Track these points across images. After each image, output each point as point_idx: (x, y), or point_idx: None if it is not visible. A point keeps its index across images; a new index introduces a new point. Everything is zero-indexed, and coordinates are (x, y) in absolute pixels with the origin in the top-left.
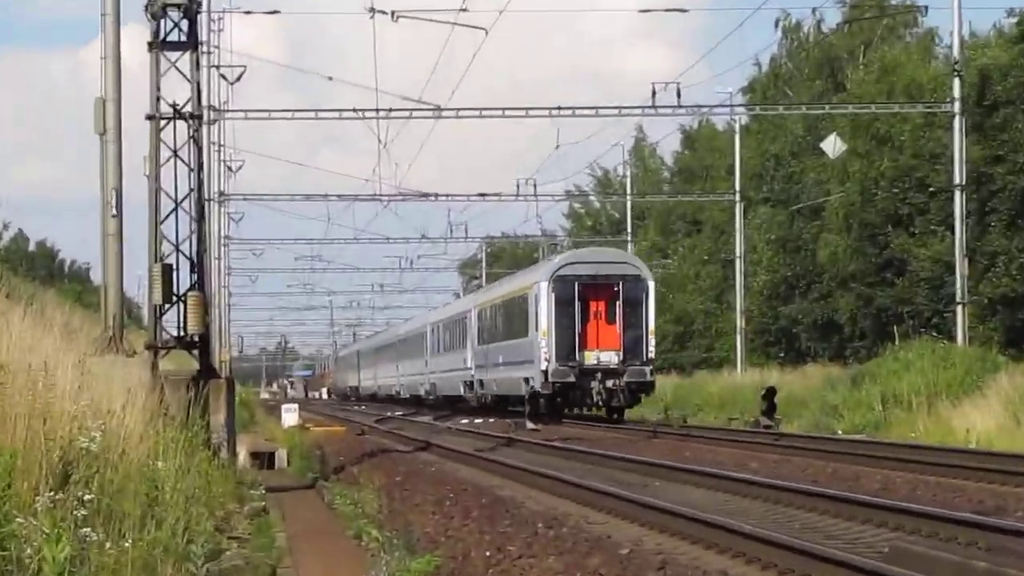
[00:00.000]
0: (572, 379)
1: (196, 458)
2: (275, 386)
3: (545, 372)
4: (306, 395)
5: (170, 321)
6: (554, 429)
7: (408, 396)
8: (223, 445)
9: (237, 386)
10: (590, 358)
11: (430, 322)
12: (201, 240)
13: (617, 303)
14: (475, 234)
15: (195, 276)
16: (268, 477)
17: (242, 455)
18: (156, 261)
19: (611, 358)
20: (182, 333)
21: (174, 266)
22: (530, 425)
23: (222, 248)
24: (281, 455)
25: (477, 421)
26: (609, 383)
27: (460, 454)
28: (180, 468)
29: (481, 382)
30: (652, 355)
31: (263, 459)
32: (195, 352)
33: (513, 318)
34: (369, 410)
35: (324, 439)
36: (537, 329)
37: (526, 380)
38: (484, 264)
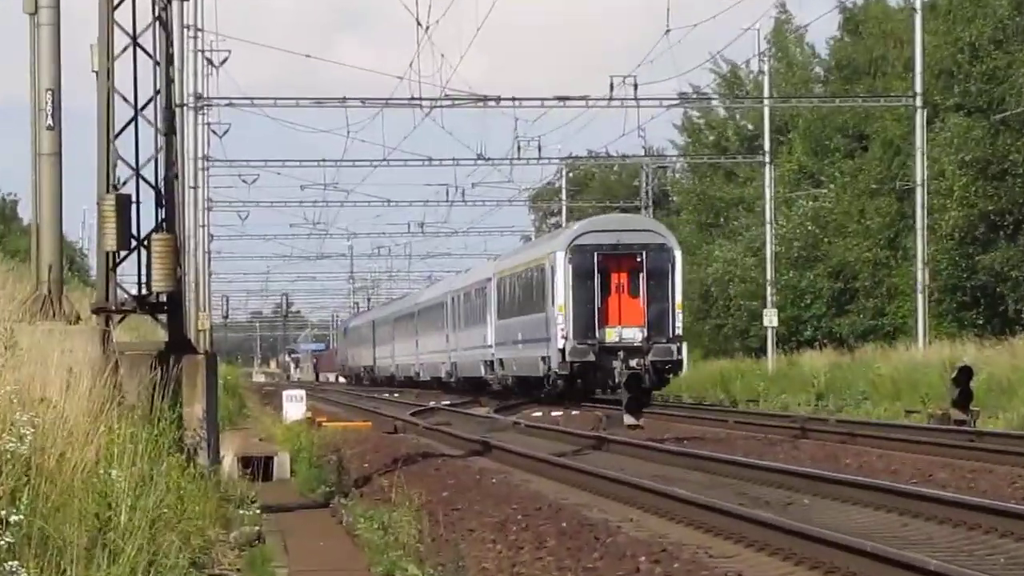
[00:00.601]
0: (591, 358)
1: (164, 465)
2: (274, 365)
3: (562, 351)
4: (316, 377)
5: (128, 275)
6: (663, 426)
7: (429, 378)
8: (201, 447)
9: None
10: (611, 335)
11: (452, 290)
12: (171, 162)
13: (641, 275)
14: (551, 153)
15: (162, 212)
16: (264, 492)
17: (228, 461)
18: (108, 191)
19: (634, 335)
20: (144, 291)
21: (133, 198)
22: (628, 420)
23: (200, 173)
24: (282, 461)
25: (556, 414)
26: (632, 362)
27: (531, 460)
28: (142, 479)
29: (501, 362)
30: (679, 331)
31: (257, 466)
32: (162, 318)
33: (530, 291)
34: (403, 398)
35: (342, 439)
36: (554, 304)
37: (543, 360)
38: (564, 194)
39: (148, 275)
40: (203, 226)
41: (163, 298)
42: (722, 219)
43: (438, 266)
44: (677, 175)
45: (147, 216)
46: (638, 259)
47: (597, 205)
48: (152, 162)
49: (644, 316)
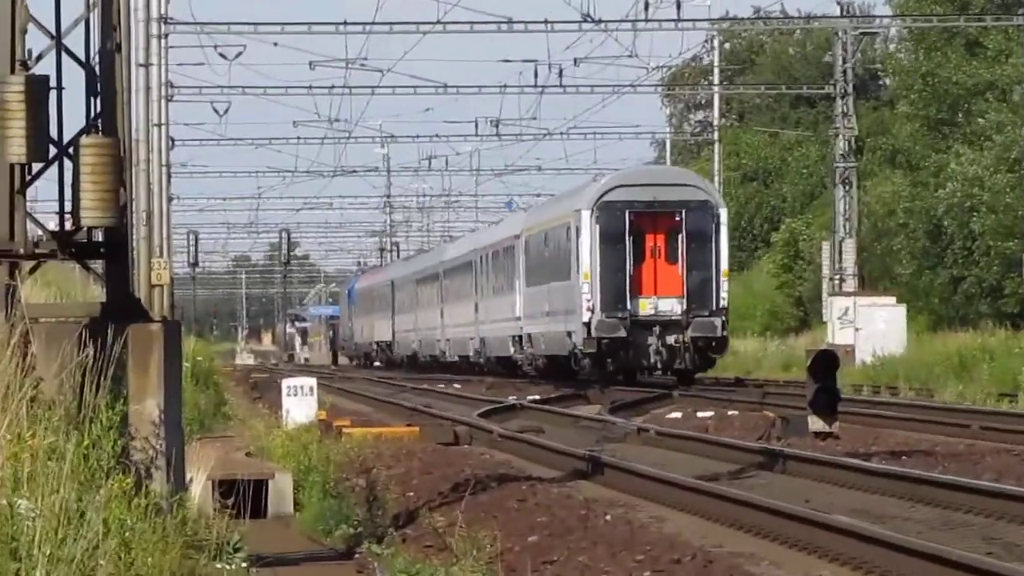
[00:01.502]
0: (622, 334)
1: (101, 494)
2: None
3: (588, 325)
4: (334, 358)
5: (44, 200)
6: (868, 434)
7: (456, 358)
8: (157, 466)
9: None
10: (645, 307)
11: (480, 246)
12: (110, 26)
13: (680, 237)
14: (697, 13)
15: (97, 103)
16: (255, 534)
17: (199, 487)
18: (13, 71)
19: (672, 307)
20: (69, 226)
21: (51, 81)
22: (816, 424)
23: (156, 42)
24: (281, 487)
25: (703, 415)
26: (670, 339)
27: (666, 486)
28: (66, 515)
29: (530, 337)
30: (725, 303)
31: (243, 495)
32: (97, 267)
33: (557, 253)
34: (468, 390)
35: (374, 453)
36: (579, 271)
37: (569, 335)
38: (718, 76)
39: (75, 201)
40: (160, 125)
41: (98, 236)
42: (960, 115)
43: (522, 186)
44: (892, 47)
45: (74, 110)
46: (677, 219)
47: (768, 92)
48: (82, 25)
49: (683, 285)
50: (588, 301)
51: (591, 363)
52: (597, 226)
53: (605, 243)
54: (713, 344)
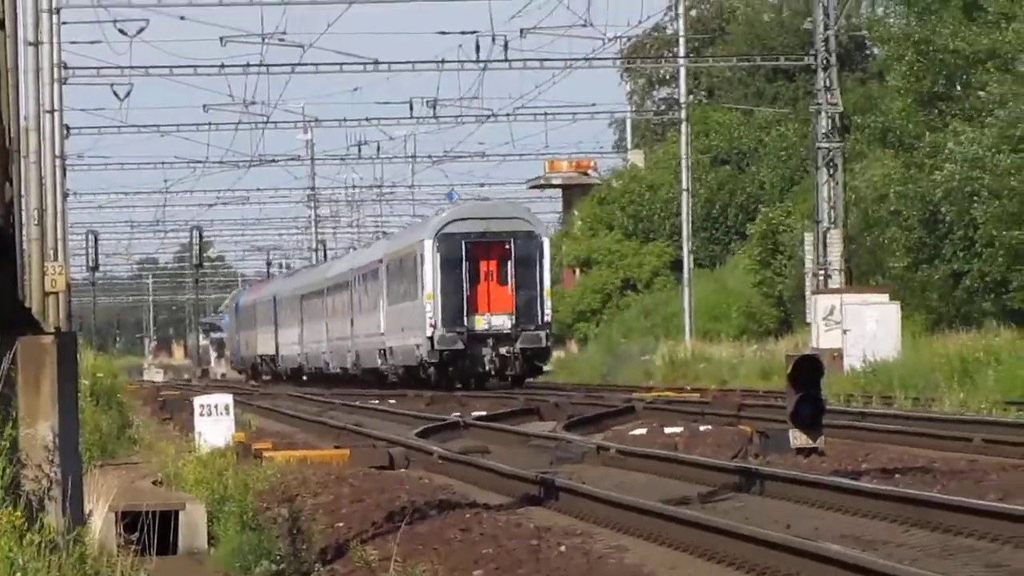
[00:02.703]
0: (460, 346)
1: None
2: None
3: (431, 339)
4: (253, 374)
5: None
6: (858, 449)
7: (338, 370)
8: (52, 496)
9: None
10: (480, 323)
11: (355, 266)
12: None
13: (509, 263)
14: None
15: None
16: (164, 573)
17: (100, 519)
18: None
19: (503, 322)
20: None
21: None
22: (799, 440)
23: (47, 17)
24: (193, 519)
25: (671, 431)
26: (502, 350)
27: (628, 511)
28: None
29: (391, 350)
30: (548, 318)
31: (150, 529)
32: None
33: (409, 277)
34: (405, 405)
35: (299, 479)
36: (423, 292)
37: (417, 347)
38: (683, 47)
39: None
40: (52, 111)
41: None
42: (958, 87)
43: (464, 174)
44: (879, 11)
45: None
46: (506, 246)
47: (740, 65)
48: None
49: (513, 303)
50: (431, 318)
51: (435, 372)
52: (438, 254)
53: (445, 268)
54: (538, 354)
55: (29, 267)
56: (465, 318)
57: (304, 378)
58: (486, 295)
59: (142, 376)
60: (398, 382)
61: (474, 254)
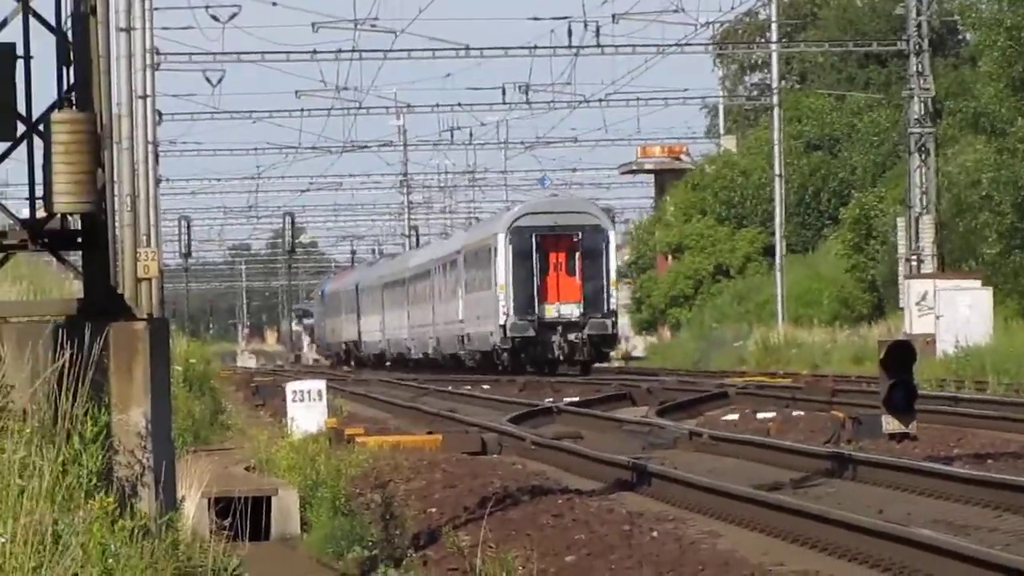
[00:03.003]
0: (532, 333)
1: (80, 515)
2: (272, 338)
3: (504, 327)
4: (347, 359)
5: (13, 185)
6: (951, 434)
7: (420, 356)
8: (145, 483)
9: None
10: (550, 311)
11: (436, 257)
12: None
13: (577, 254)
14: None
15: (71, 73)
16: (257, 559)
17: (193, 506)
18: None
19: (572, 311)
20: (40, 213)
21: (18, 49)
22: (891, 425)
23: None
24: (286, 505)
25: (764, 416)
26: (571, 336)
27: (721, 496)
28: (41, 540)
29: (469, 336)
30: (614, 307)
31: (243, 515)
32: (74, 259)
33: (484, 267)
34: (498, 391)
35: (391, 465)
36: (496, 283)
37: (491, 334)
38: (776, 33)
39: (47, 185)
40: (144, 97)
41: (74, 224)
42: None
43: (556, 160)
44: None
45: (45, 81)
46: (575, 239)
47: (833, 50)
48: None
49: (581, 293)
50: (504, 307)
51: (508, 357)
52: (510, 246)
53: (516, 260)
54: (605, 340)
55: (122, 253)
56: (536, 307)
57: (387, 364)
58: (555, 285)
59: (235, 362)
60: (475, 367)
61: (544, 246)
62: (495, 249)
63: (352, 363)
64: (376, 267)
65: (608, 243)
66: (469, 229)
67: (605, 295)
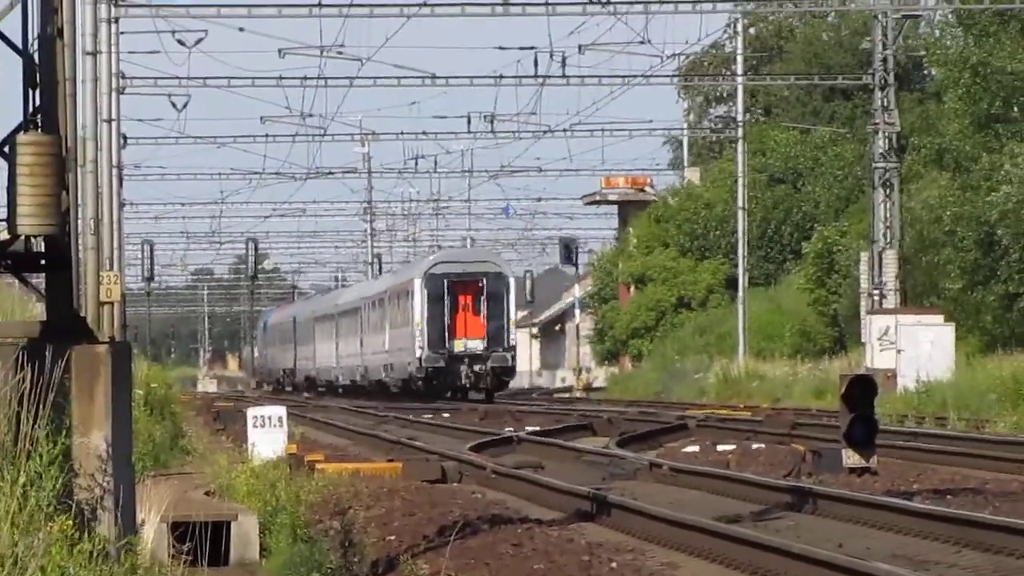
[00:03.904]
0: (442, 364)
1: (40, 538)
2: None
3: (420, 359)
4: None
5: None
6: (910, 469)
7: (348, 382)
8: (105, 506)
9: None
10: (459, 346)
11: (364, 296)
12: (49, 6)
13: (482, 298)
14: None
15: (36, 96)
16: None
17: (152, 529)
18: None
19: (477, 345)
20: (2, 235)
21: None
22: (852, 459)
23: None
24: (245, 530)
25: (724, 448)
26: (476, 368)
27: (680, 528)
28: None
29: (392, 365)
30: (513, 342)
31: (202, 540)
32: (37, 281)
33: (402, 308)
34: (459, 419)
35: (351, 492)
36: (413, 321)
37: (409, 364)
38: (741, 66)
39: (11, 207)
40: (109, 120)
41: (38, 246)
42: (1015, 109)
43: (520, 189)
44: (938, 32)
45: (9, 104)
46: (480, 284)
47: (798, 84)
48: (19, 8)
49: (485, 330)
50: (420, 341)
51: (423, 384)
52: (425, 290)
53: (431, 301)
54: (506, 371)
55: (85, 276)
56: (447, 341)
57: (320, 389)
58: (463, 323)
59: (196, 387)
60: (398, 392)
61: (454, 290)
62: (412, 292)
63: (291, 388)
64: (310, 302)
65: (508, 288)
66: (394, 273)
67: (506, 332)
